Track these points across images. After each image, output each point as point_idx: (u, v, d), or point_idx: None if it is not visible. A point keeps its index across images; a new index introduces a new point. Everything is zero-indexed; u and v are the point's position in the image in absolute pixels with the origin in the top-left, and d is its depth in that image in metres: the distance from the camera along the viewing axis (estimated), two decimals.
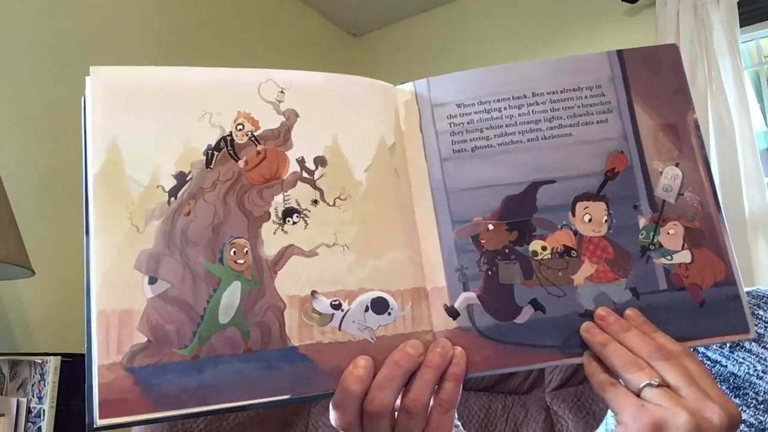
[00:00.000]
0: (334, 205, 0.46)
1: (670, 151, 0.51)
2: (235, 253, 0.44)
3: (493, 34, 2.48)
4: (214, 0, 2.26)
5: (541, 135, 0.51)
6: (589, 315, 0.48)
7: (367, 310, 0.46)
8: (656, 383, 0.43)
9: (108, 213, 0.42)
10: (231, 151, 0.45)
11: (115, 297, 0.42)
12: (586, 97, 0.52)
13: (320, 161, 0.47)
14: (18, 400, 1.18)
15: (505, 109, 0.51)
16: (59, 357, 1.17)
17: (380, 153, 0.48)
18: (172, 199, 0.43)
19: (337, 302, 0.45)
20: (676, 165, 0.51)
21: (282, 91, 0.46)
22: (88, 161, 0.43)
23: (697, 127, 0.52)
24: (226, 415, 0.81)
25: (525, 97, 0.51)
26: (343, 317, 0.45)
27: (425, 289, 0.48)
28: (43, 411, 1.15)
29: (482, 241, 0.49)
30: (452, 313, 0.48)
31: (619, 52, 0.53)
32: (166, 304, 0.42)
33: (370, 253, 0.47)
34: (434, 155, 0.50)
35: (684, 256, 0.50)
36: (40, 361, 1.17)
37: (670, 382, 0.43)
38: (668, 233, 0.50)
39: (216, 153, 0.45)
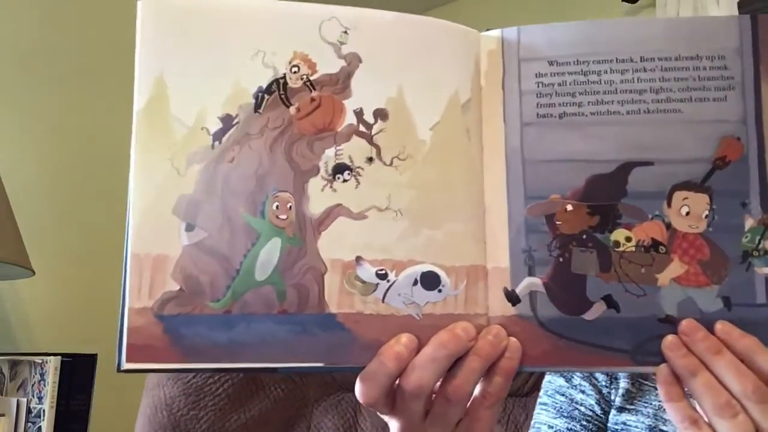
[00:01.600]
0: (391, 164, 0.42)
1: None
2: (277, 207, 0.41)
3: None
4: None
5: (645, 108, 0.43)
6: (670, 321, 0.42)
7: (415, 284, 0.42)
8: None
9: (149, 152, 0.40)
10: (283, 96, 0.41)
11: (151, 241, 0.40)
12: (705, 68, 0.43)
13: (381, 114, 0.42)
14: (18, 400, 1.19)
15: (606, 72, 0.43)
16: (59, 357, 1.17)
17: (451, 109, 0.43)
18: (216, 143, 0.40)
19: (384, 272, 0.41)
20: None
21: (346, 32, 0.41)
22: (135, 94, 0.40)
23: None
24: (229, 416, 0.82)
25: (631, 60, 0.43)
26: (389, 288, 0.41)
27: (485, 268, 0.43)
28: (43, 411, 1.16)
29: (557, 223, 0.43)
30: (512, 298, 0.43)
31: (754, 18, 0.43)
32: (201, 253, 0.40)
33: (425, 222, 0.42)
34: (515, 118, 0.44)
35: None
36: (40, 361, 1.17)
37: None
38: None
39: (267, 96, 0.41)
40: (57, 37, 1.65)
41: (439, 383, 0.42)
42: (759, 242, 0.42)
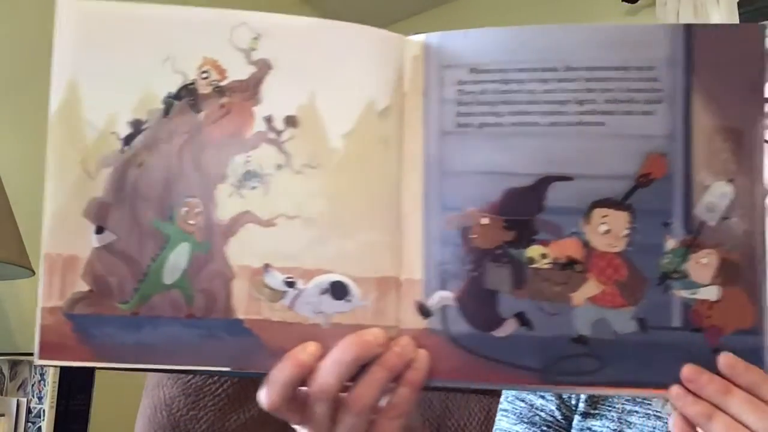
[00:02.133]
0: (300, 172, 0.41)
1: (725, 162, 0.40)
2: (186, 212, 0.41)
3: None
4: (214, 1, 2.14)
5: (566, 119, 0.41)
6: (582, 341, 0.41)
7: (324, 293, 0.41)
8: None
9: (62, 154, 0.41)
10: (192, 102, 0.41)
11: (63, 241, 0.41)
12: (633, 79, 0.41)
13: (291, 121, 0.41)
14: (18, 400, 1.20)
15: (528, 81, 0.41)
16: None
17: (366, 117, 0.42)
18: (126, 147, 0.41)
19: (292, 280, 0.41)
20: (729, 181, 0.40)
21: (256, 38, 0.41)
22: (50, 97, 0.41)
23: (763, 136, 0.40)
24: (229, 416, 0.82)
25: (555, 70, 0.41)
26: (297, 297, 0.41)
27: (398, 280, 0.42)
28: (43, 411, 1.17)
29: (472, 237, 0.42)
30: (424, 311, 0.42)
31: (687, 27, 0.41)
32: (111, 255, 0.41)
33: (336, 232, 0.41)
34: (434, 127, 0.43)
35: (710, 293, 0.40)
36: None
37: None
38: (699, 262, 0.40)
39: (176, 102, 0.41)
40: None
41: None
42: (679, 264, 0.41)
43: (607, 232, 0.41)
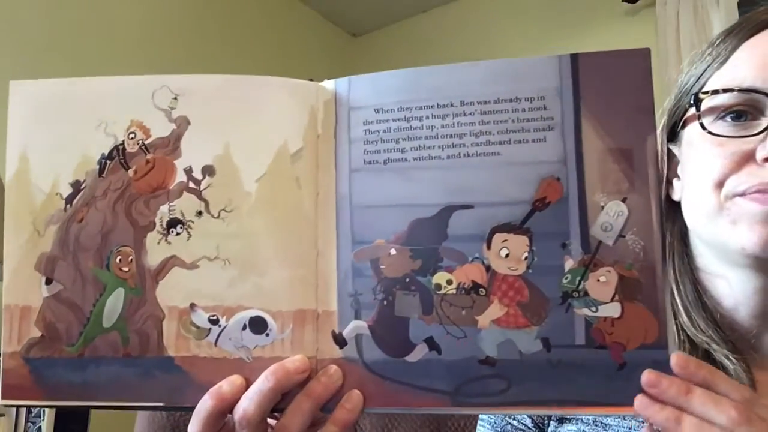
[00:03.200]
0: (218, 217, 0.45)
1: (618, 182, 0.41)
2: (120, 260, 0.45)
3: (493, 34, 2.43)
4: (214, 0, 2.24)
5: (464, 152, 0.43)
6: (489, 363, 0.41)
7: (244, 328, 0.44)
8: None
9: (17, 217, 0.46)
10: (122, 161, 0.46)
11: (19, 293, 0.46)
12: (524, 110, 0.43)
13: (208, 170, 0.45)
14: None
15: (427, 118, 0.44)
16: None
17: (279, 160, 0.45)
18: (68, 206, 0.46)
19: (215, 317, 0.44)
20: (623, 200, 0.41)
21: (176, 98, 0.45)
22: (6, 169, 0.47)
23: (656, 155, 0.42)
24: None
25: (452, 105, 0.44)
26: (220, 333, 0.44)
27: (315, 312, 0.44)
28: (43, 411, 1.19)
29: (382, 267, 0.44)
30: (339, 341, 0.44)
31: (574, 57, 0.43)
32: (58, 303, 0.45)
33: (252, 270, 0.44)
34: (344, 165, 0.45)
35: (612, 310, 0.41)
36: None
37: None
38: (598, 280, 0.41)
39: (108, 162, 0.46)
40: (57, 37, 1.76)
41: None
42: (579, 283, 0.41)
43: (508, 255, 0.42)
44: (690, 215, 0.52)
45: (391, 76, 0.45)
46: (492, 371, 0.41)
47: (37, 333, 0.45)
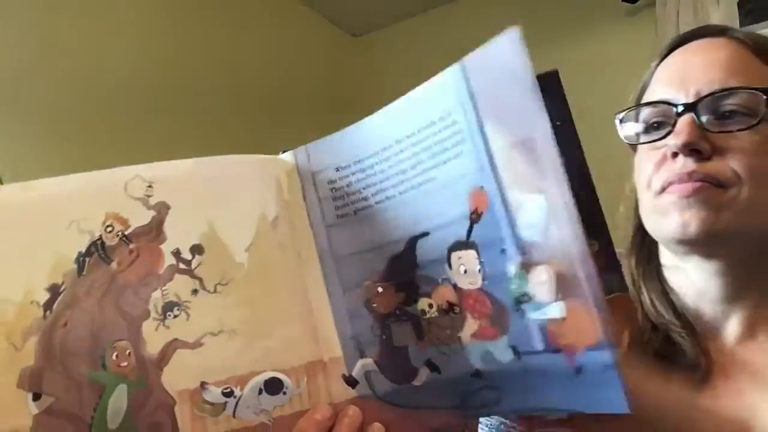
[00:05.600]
0: (215, 291, 0.46)
1: (529, 176, 0.40)
2: (117, 356, 0.44)
3: (493, 35, 2.48)
4: (214, 1, 2.27)
5: (410, 185, 0.46)
6: (479, 375, 0.45)
7: (260, 392, 0.46)
8: None
9: None
10: (102, 255, 0.45)
11: (2, 417, 0.42)
12: (440, 130, 0.45)
13: (197, 249, 0.46)
14: None
15: (377, 164, 0.48)
16: None
17: (262, 229, 0.48)
18: (48, 312, 0.44)
19: (229, 389, 0.45)
20: (539, 191, 0.40)
21: (150, 186, 0.46)
22: None
23: (553, 136, 0.38)
24: None
25: (390, 146, 0.47)
26: (237, 403, 0.45)
27: (323, 361, 0.48)
28: None
29: (374, 305, 0.49)
30: (351, 382, 0.48)
31: (462, 63, 0.43)
32: (52, 418, 0.43)
33: (258, 335, 0.46)
34: (319, 223, 0.50)
35: (556, 310, 0.39)
36: None
37: None
38: (538, 281, 0.40)
39: (87, 259, 0.45)
40: (59, 36, 1.71)
41: None
42: (524, 287, 0.41)
43: (466, 271, 0.44)
44: (642, 217, 0.60)
45: (341, 136, 0.50)
46: (483, 383, 0.44)
47: None
